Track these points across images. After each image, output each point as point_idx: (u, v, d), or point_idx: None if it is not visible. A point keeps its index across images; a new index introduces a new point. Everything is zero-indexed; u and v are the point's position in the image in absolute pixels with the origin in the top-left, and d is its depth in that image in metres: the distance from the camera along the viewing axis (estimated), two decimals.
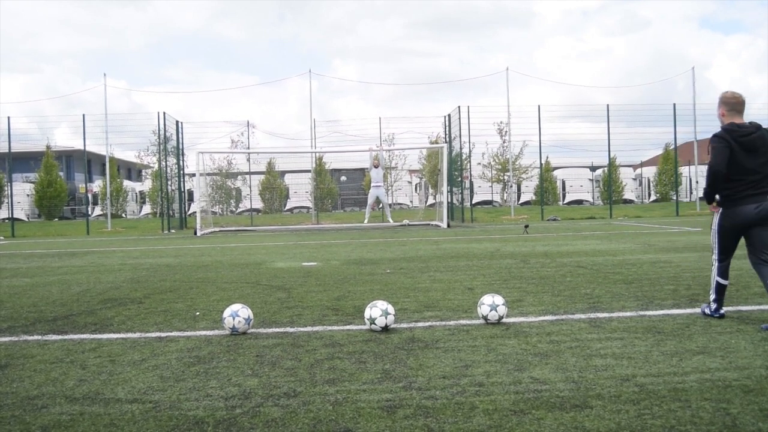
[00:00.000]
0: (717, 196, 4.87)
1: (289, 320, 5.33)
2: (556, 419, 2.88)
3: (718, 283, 4.95)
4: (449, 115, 27.61)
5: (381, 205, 21.05)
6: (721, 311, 4.94)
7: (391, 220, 21.68)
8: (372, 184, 21.18)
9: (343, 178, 27.32)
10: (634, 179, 44.46)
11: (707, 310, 5.04)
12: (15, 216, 28.15)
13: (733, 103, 4.82)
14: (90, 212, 36.73)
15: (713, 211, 4.98)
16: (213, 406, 3.19)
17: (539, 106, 26.74)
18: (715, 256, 5.04)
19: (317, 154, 32.97)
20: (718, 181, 4.74)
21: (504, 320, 4.97)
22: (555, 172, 42.57)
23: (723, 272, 4.96)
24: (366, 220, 21.73)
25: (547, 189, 37.61)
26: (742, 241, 4.91)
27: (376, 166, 20.26)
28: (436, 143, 29.73)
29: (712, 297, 4.97)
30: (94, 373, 3.86)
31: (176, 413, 3.10)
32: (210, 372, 3.81)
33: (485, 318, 4.96)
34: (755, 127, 4.72)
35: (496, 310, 4.92)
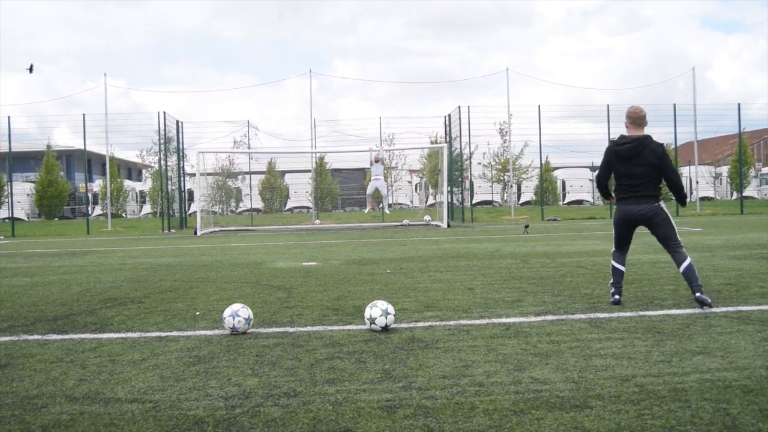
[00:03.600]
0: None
1: (289, 320, 5.33)
2: (556, 419, 2.87)
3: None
4: (449, 115, 27.61)
5: (381, 205, 21.24)
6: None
7: (388, 211, 22.41)
8: (372, 178, 21.20)
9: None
10: None
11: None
12: (15, 216, 28.15)
13: (636, 119, 5.43)
14: (90, 212, 36.73)
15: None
16: (213, 405, 3.19)
17: (539, 106, 26.77)
18: (613, 248, 5.89)
19: (317, 154, 32.98)
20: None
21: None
22: (555, 172, 42.58)
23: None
24: (367, 210, 22.18)
25: (548, 189, 37.60)
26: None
27: (377, 161, 20.28)
28: (437, 143, 29.74)
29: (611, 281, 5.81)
30: (94, 372, 3.86)
31: (176, 413, 3.10)
32: (210, 372, 3.81)
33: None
34: (632, 139, 5.42)
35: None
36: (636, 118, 5.44)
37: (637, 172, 5.37)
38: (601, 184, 5.82)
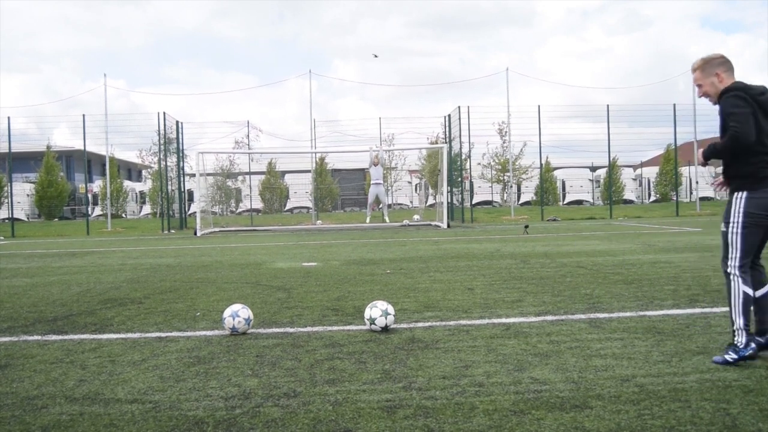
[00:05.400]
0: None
1: (289, 320, 5.32)
2: (556, 419, 2.87)
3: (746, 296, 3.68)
4: (449, 116, 27.61)
5: (381, 206, 21.16)
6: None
7: (387, 220, 22.06)
8: (372, 182, 21.20)
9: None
10: (634, 179, 44.48)
11: (730, 356, 3.64)
12: (15, 216, 28.15)
13: (729, 63, 3.79)
14: (90, 212, 36.73)
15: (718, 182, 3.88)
16: (213, 406, 3.19)
17: (539, 106, 26.79)
18: (737, 262, 3.71)
19: (318, 155, 32.99)
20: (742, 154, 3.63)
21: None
22: (555, 173, 42.57)
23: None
24: (368, 220, 21.96)
25: (547, 189, 37.59)
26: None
27: (376, 164, 20.27)
28: (436, 143, 29.73)
29: (743, 322, 3.66)
30: (94, 373, 3.86)
31: (176, 413, 3.10)
32: (210, 372, 3.81)
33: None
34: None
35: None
36: (731, 66, 3.78)
37: None
38: (752, 140, 3.53)
